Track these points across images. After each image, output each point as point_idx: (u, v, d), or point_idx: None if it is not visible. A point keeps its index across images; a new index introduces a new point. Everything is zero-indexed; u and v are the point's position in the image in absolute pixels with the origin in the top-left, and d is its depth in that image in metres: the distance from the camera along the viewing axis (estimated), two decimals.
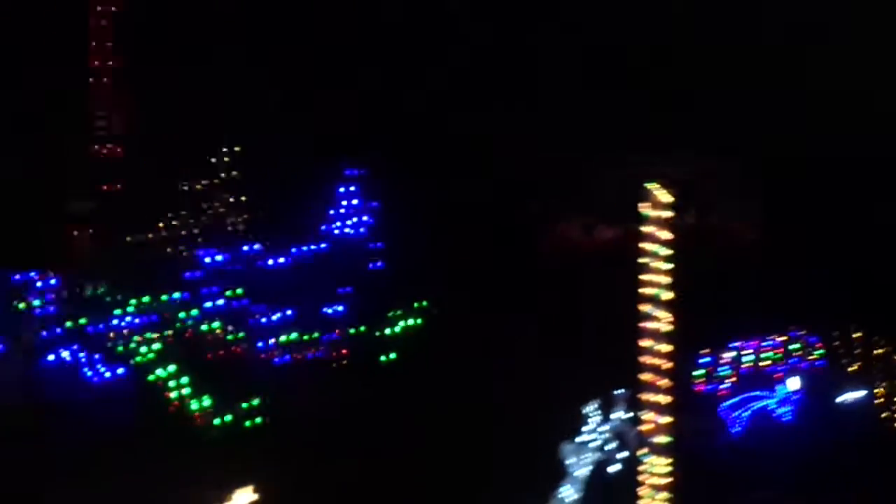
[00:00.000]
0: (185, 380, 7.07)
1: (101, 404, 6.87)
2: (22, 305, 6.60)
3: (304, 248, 8.27)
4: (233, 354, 7.54)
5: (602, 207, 9.15)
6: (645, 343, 6.71)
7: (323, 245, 8.46)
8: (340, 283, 8.49)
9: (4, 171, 6.80)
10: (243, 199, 8.15)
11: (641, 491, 6.64)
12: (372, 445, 7.19)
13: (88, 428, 6.64)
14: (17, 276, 6.66)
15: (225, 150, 7.92)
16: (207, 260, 7.53)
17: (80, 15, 7.80)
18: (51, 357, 6.74)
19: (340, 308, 8.32)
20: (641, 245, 6.86)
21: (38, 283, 6.62)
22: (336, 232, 8.69)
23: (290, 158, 8.21)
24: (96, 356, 7.05)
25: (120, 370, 7.08)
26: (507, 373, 7.90)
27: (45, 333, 6.67)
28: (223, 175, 7.97)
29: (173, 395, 6.97)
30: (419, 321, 8.55)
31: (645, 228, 6.86)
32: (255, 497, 5.11)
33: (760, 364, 8.69)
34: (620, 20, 10.32)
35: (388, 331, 8.23)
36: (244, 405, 7.22)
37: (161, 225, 7.47)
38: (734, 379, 8.53)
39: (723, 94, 9.72)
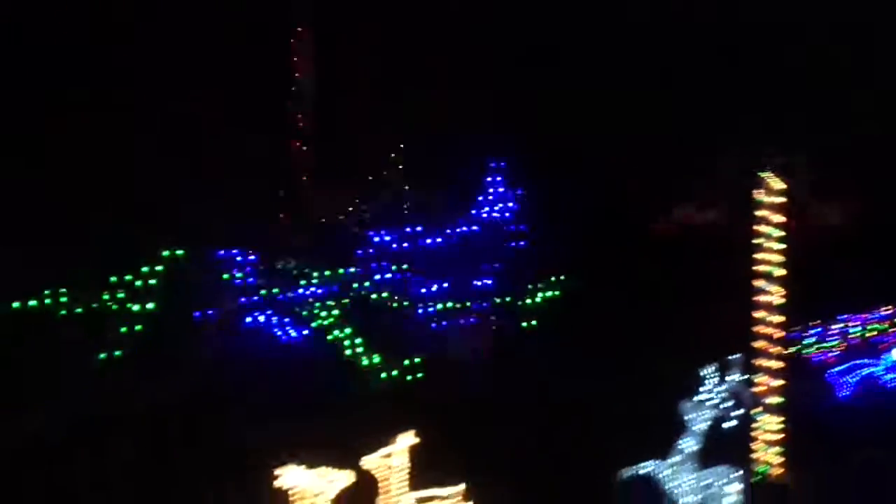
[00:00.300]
0: (358, 340, 8.32)
1: (290, 359, 8.28)
2: (226, 276, 8.13)
3: (458, 230, 9.44)
4: (398, 319, 8.69)
5: (719, 194, 9.56)
6: (759, 314, 7.38)
7: (474, 227, 9.58)
8: (488, 260, 9.48)
9: (215, 166, 8.24)
10: (406, 188, 9.20)
11: (755, 445, 7.29)
12: (511, 399, 8.04)
13: (280, 378, 8.07)
14: (222, 253, 8.20)
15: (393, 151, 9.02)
16: (377, 239, 8.78)
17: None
18: (248, 319, 8.28)
19: (489, 282, 9.34)
20: (756, 228, 7.44)
21: (239, 259, 8.16)
22: (484, 216, 9.77)
23: (444, 153, 9.13)
24: (286, 320, 8.45)
25: (305, 332, 8.47)
26: (636, 340, 8.49)
27: (244, 300, 8.14)
28: (388, 170, 9.07)
29: (348, 352, 8.23)
30: (557, 293, 9.38)
31: (759, 213, 7.45)
32: (416, 440, 5.54)
33: (867, 335, 8.93)
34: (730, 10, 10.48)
35: (529, 301, 9.16)
36: (407, 362, 8.34)
37: (345, 210, 8.82)
38: (843, 347, 8.84)
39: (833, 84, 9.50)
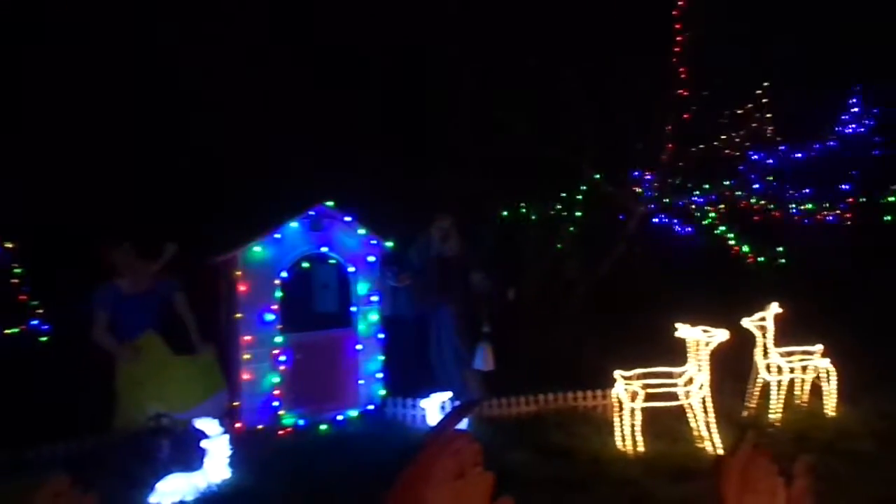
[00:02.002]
0: (732, 234, 10.51)
1: (687, 248, 10.85)
2: (638, 190, 10.72)
3: (819, 145, 10.81)
4: (770, 219, 10.59)
5: None
6: None
7: (831, 143, 10.88)
8: (847, 170, 10.70)
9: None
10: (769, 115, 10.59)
11: None
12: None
13: (682, 261, 10.64)
14: (636, 174, 10.75)
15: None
16: (754, 157, 10.56)
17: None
18: (654, 220, 10.92)
19: (846, 187, 10.65)
20: None
21: (647, 177, 10.64)
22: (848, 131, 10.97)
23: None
24: (675, 221, 11.01)
25: (688, 229, 10.95)
26: None
27: (652, 206, 10.61)
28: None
29: (731, 242, 10.42)
30: None
31: None
32: (780, 310, 6.35)
33: None
34: None
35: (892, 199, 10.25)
36: (777, 249, 10.36)
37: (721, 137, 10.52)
38: None
39: None
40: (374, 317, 7.00)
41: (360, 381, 7.18)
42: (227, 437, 5.51)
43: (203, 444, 5.40)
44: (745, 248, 10.35)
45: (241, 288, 6.72)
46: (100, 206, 8.22)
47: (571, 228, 11.09)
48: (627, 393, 5.72)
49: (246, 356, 6.71)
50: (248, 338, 6.72)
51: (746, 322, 6.21)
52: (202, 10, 8.96)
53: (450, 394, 6.72)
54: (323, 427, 6.76)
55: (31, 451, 5.27)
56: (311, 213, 6.88)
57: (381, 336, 7.05)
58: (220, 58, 9.25)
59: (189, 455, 5.49)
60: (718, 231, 10.57)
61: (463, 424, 2.61)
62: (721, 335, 5.55)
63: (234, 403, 6.42)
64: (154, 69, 8.90)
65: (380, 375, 7.01)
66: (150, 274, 6.03)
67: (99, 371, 5.74)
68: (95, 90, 8.52)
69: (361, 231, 7.05)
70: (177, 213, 8.44)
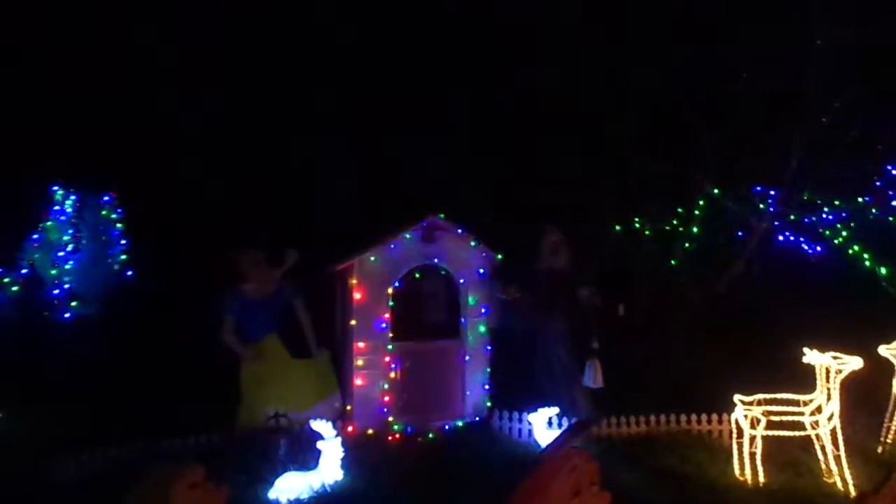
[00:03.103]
0: (866, 255, 9.75)
1: (817, 270, 10.23)
2: (762, 206, 10.20)
3: None
4: None
5: None
6: None
7: None
8: None
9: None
10: None
11: None
12: None
13: (812, 278, 10.15)
14: (758, 189, 10.29)
15: None
16: (894, 172, 9.76)
17: None
18: (779, 238, 10.39)
19: None
20: None
21: (772, 192, 10.15)
22: None
23: None
24: (802, 239, 10.41)
25: (818, 248, 10.31)
26: None
27: (776, 224, 10.19)
28: None
29: (867, 264, 9.72)
30: None
31: None
32: None
33: None
34: None
35: None
36: None
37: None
38: None
39: None
40: (482, 329, 7.37)
41: (468, 392, 7.22)
42: (339, 439, 5.64)
43: (318, 444, 5.58)
44: (883, 271, 9.61)
45: (357, 296, 6.86)
46: (228, 214, 8.81)
47: (687, 245, 10.83)
48: (747, 419, 5.47)
49: (359, 362, 6.85)
50: (361, 345, 6.87)
51: (884, 350, 5.85)
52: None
53: (557, 409, 6.64)
54: (430, 435, 6.83)
55: (164, 441, 5.67)
56: (424, 224, 6.94)
57: (489, 348, 7.07)
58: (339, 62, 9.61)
59: (305, 455, 5.73)
60: (851, 251, 9.88)
61: (579, 443, 2.60)
62: (854, 363, 5.26)
63: (347, 407, 6.61)
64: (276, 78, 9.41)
65: (487, 387, 7.04)
66: (274, 280, 6.32)
67: (224, 371, 6.11)
68: (229, 99, 9.02)
69: (472, 243, 7.12)
70: (299, 220, 8.92)
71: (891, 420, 5.98)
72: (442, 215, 7.19)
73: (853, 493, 5.26)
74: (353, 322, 6.92)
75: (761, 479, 5.37)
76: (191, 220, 8.97)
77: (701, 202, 10.57)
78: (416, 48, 9.46)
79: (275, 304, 6.22)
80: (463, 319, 7.00)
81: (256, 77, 9.11)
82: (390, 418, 6.61)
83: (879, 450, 6.31)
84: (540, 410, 6.69)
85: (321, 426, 5.40)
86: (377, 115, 9.33)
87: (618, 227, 10.71)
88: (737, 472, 5.73)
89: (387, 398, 6.66)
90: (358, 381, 6.84)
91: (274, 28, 9.01)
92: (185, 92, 8.59)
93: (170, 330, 7.64)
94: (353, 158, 9.51)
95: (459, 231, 7.06)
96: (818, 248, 10.46)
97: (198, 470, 3.04)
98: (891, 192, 9.83)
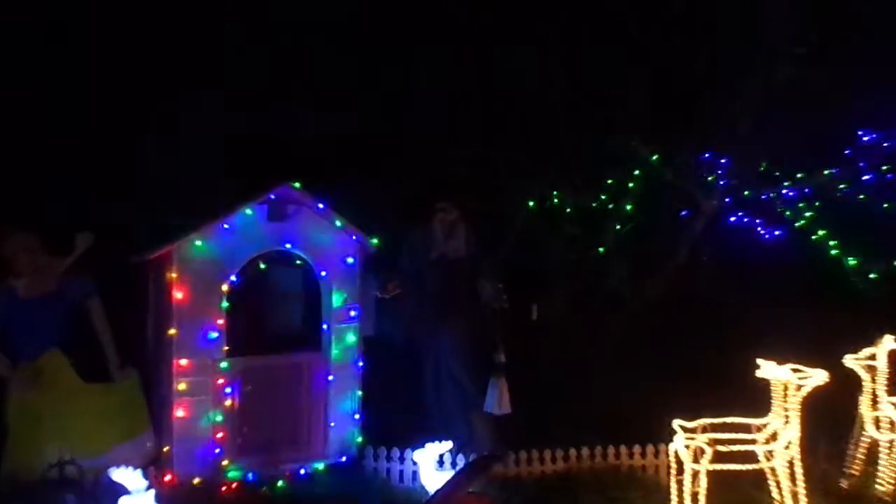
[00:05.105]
0: (832, 242, 10.34)
1: (772, 256, 10.74)
2: (710, 178, 10.55)
3: None
4: (885, 223, 10.25)
5: None
6: None
7: None
8: None
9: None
10: None
11: None
12: None
13: (765, 274, 10.63)
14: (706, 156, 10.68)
15: None
16: (865, 138, 10.47)
17: None
18: (730, 219, 10.84)
19: None
20: None
21: (722, 161, 10.52)
22: None
23: None
24: (758, 220, 10.85)
25: (776, 232, 10.83)
26: None
27: (727, 200, 10.62)
28: None
29: (834, 252, 10.31)
30: None
31: None
32: (895, 346, 6.27)
33: None
34: None
35: None
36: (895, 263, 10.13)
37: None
38: None
39: None
40: (351, 338, 7.26)
41: (331, 424, 7.14)
42: (152, 493, 5.43)
43: (121, 501, 5.36)
44: (851, 261, 10.31)
45: (177, 295, 6.64)
46: None
47: (619, 227, 11.13)
48: (690, 450, 5.80)
49: (180, 386, 6.63)
50: (183, 362, 6.65)
51: (850, 360, 6.20)
52: None
53: (451, 444, 6.63)
54: (280, 483, 6.71)
55: None
56: (272, 196, 6.88)
57: (361, 364, 7.09)
58: None
59: None
60: (815, 237, 10.51)
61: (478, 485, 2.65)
62: (817, 377, 5.53)
63: (164, 449, 6.44)
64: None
65: (357, 416, 7.26)
66: (57, 273, 6.06)
67: None
68: None
69: (338, 223, 7.12)
70: (95, 192, 8.46)
71: (856, 447, 6.32)
72: (297, 184, 7.07)
73: None
74: (171, 331, 6.68)
75: None
76: None
77: (636, 172, 10.96)
78: None
79: (57, 306, 5.97)
80: (325, 325, 6.94)
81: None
82: (224, 462, 6.47)
83: (844, 483, 6.64)
84: (428, 446, 6.64)
85: (126, 476, 5.20)
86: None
87: (531, 204, 10.91)
88: None
89: (219, 435, 6.49)
90: (179, 413, 6.61)
91: None
92: None
93: None
94: (175, 105, 9.16)
95: (321, 206, 7.13)
96: (776, 233, 11.05)
97: None
98: (862, 164, 10.62)
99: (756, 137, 10.55)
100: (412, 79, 10.55)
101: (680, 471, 6.01)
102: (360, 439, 7.04)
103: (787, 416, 5.84)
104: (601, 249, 11.07)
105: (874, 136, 10.81)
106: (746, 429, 5.98)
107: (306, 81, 10.09)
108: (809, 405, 5.78)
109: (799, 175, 10.89)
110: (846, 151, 10.74)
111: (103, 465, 5.51)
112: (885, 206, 10.56)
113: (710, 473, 5.87)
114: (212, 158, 9.17)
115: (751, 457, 5.95)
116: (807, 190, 10.93)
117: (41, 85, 9.13)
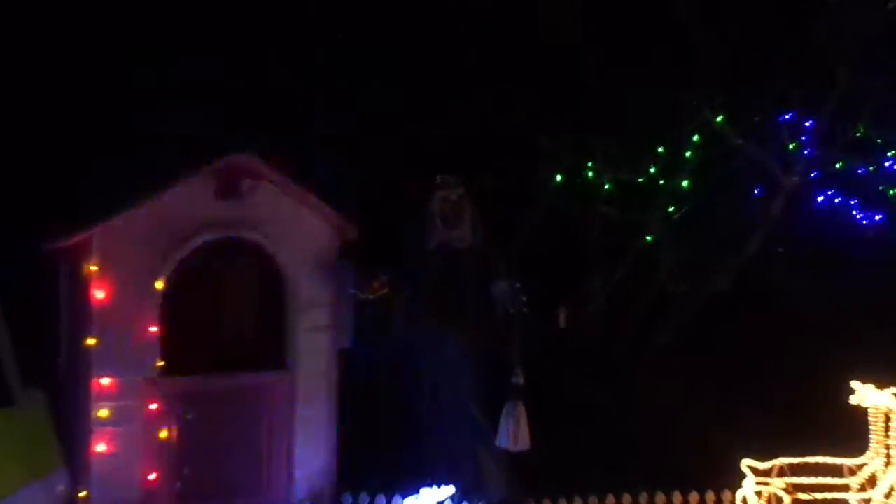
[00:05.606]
0: None
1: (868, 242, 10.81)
2: (792, 146, 10.36)
3: None
4: None
5: None
6: None
7: None
8: None
9: None
10: None
11: None
12: None
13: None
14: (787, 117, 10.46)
15: None
16: None
17: None
18: (819, 199, 10.73)
19: None
20: None
21: (808, 124, 10.33)
22: None
23: None
24: (853, 201, 10.82)
25: (877, 217, 10.78)
26: None
27: (813, 175, 10.49)
28: None
29: None
30: None
31: None
32: None
33: None
34: None
35: None
36: None
37: None
38: None
39: None
40: (324, 352, 6.94)
41: (297, 463, 7.13)
42: None
43: None
44: None
45: (98, 295, 6.65)
46: None
47: (671, 209, 11.01)
48: (762, 498, 5.70)
49: (101, 412, 6.65)
50: (105, 381, 6.65)
51: None
52: None
53: (453, 489, 6.67)
54: None
55: None
56: (221, 166, 6.86)
57: (336, 386, 7.03)
58: None
59: None
60: None
61: None
62: None
63: (80, 493, 6.50)
64: None
65: (332, 453, 6.99)
66: None
67: None
68: None
69: (309, 202, 7.06)
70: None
71: None
72: (255, 154, 7.02)
73: None
74: (90, 340, 6.69)
75: None
76: None
77: (695, 138, 10.89)
78: None
79: None
80: (292, 336, 6.88)
81: None
82: None
83: None
84: (423, 492, 6.71)
85: None
86: None
87: (559, 178, 10.84)
88: None
89: (152, 475, 6.76)
90: (99, 447, 6.62)
91: None
92: None
93: None
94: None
95: (286, 181, 6.92)
96: (876, 217, 10.94)
97: None
98: None
99: (856, 92, 10.34)
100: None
101: None
102: (334, 482, 6.97)
103: (888, 455, 5.88)
104: (648, 238, 10.94)
105: None
106: (837, 471, 5.97)
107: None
108: None
109: None
110: None
111: None
112: None
113: None
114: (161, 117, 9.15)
115: None
116: None
117: None
